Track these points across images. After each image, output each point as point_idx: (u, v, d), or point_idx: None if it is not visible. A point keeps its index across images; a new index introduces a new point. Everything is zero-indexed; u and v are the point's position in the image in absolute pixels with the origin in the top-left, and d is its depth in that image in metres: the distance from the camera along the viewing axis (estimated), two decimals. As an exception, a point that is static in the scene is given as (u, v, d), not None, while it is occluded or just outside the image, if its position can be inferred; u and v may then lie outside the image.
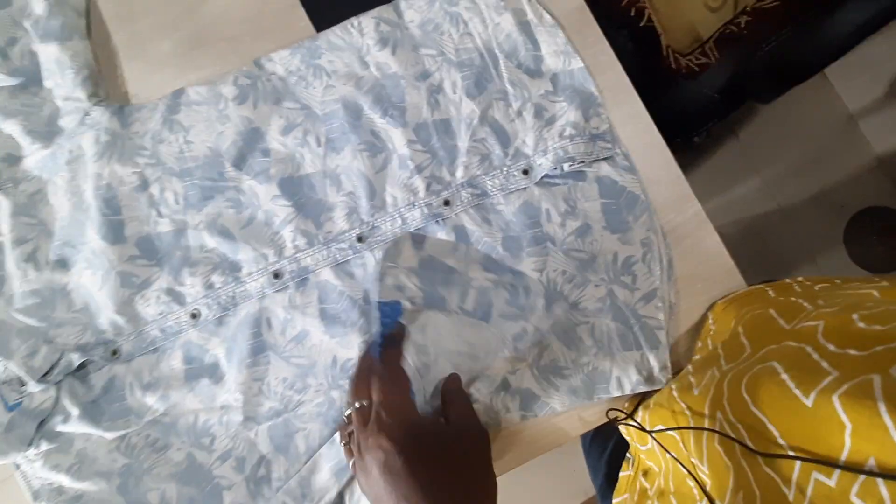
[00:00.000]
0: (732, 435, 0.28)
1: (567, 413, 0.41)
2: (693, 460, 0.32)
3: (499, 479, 0.35)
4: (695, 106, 0.77)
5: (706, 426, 0.30)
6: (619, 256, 0.41)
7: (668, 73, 0.72)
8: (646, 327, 0.40)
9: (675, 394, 0.35)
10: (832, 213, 1.11)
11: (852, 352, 0.24)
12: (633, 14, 0.71)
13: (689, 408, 0.33)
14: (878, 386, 0.21)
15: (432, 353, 0.40)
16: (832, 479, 0.21)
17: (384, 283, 0.41)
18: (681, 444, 0.33)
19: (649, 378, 0.39)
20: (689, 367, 0.38)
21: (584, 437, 0.59)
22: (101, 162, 0.42)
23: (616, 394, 0.40)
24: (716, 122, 0.79)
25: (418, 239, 0.42)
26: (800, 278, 0.38)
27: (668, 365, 0.39)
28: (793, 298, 0.34)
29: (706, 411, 0.31)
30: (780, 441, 0.25)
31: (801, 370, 0.25)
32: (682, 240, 0.42)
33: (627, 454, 0.44)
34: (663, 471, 0.37)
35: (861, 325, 0.25)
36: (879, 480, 0.20)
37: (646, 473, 0.40)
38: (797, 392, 0.24)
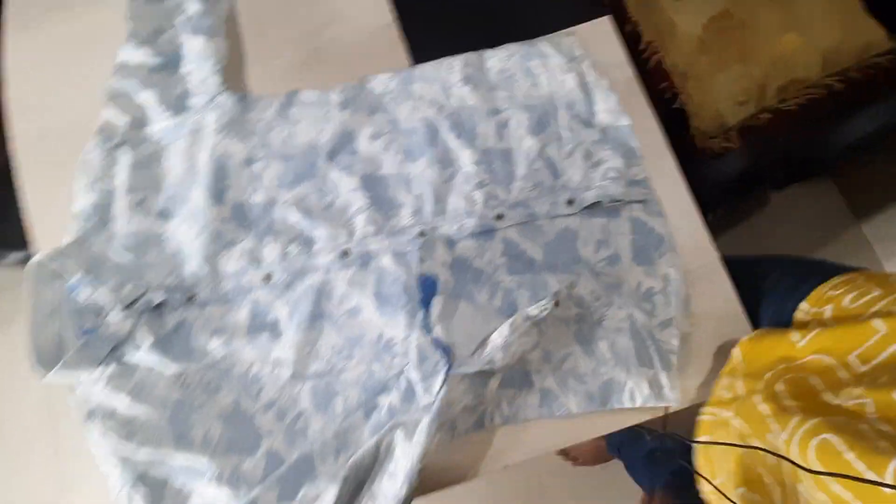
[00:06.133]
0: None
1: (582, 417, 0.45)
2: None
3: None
4: (714, 184, 0.85)
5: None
6: (641, 286, 0.47)
7: (693, 152, 0.81)
8: (661, 350, 0.45)
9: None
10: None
11: None
12: (667, 97, 0.81)
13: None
14: None
15: (458, 336, 0.44)
16: None
17: (422, 266, 0.46)
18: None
19: (659, 395, 0.44)
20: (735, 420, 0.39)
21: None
22: (219, 136, 0.50)
23: (628, 405, 0.44)
24: (731, 203, 0.87)
25: (450, 242, 0.48)
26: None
27: (678, 385, 0.44)
28: (820, 357, 0.36)
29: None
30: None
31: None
32: (699, 281, 0.48)
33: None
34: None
35: None
36: None
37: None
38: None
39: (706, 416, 0.42)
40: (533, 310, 0.40)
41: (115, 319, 0.45)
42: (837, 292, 0.42)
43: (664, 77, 0.82)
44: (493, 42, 0.56)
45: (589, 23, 0.56)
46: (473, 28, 0.58)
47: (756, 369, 0.41)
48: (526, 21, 0.58)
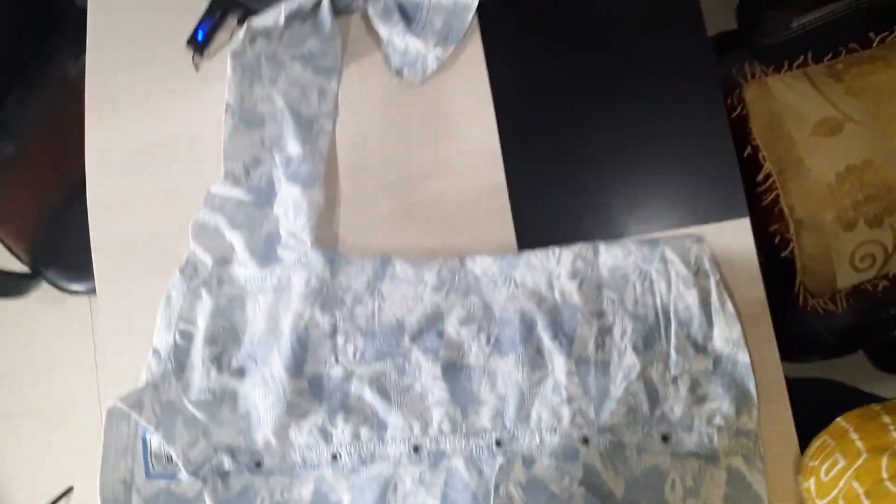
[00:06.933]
0: None
1: None
2: None
3: None
4: (804, 338, 0.78)
5: None
6: (726, 547, 0.44)
7: (793, 305, 0.74)
8: None
9: None
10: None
11: None
12: (776, 241, 0.73)
13: None
14: None
15: None
16: None
17: (497, 494, 0.44)
18: None
19: None
20: None
21: None
22: (306, 303, 0.47)
23: None
24: (817, 359, 0.80)
25: (528, 460, 0.46)
26: None
27: None
28: None
29: None
30: None
31: None
32: (788, 553, 0.45)
33: None
34: None
35: None
36: None
37: None
38: None
39: None
40: None
41: (184, 479, 0.46)
42: (814, 463, 0.42)
43: (778, 219, 0.73)
44: (610, 225, 0.50)
45: (723, 223, 0.50)
46: (589, 210, 0.51)
47: None
48: (650, 210, 0.51)
